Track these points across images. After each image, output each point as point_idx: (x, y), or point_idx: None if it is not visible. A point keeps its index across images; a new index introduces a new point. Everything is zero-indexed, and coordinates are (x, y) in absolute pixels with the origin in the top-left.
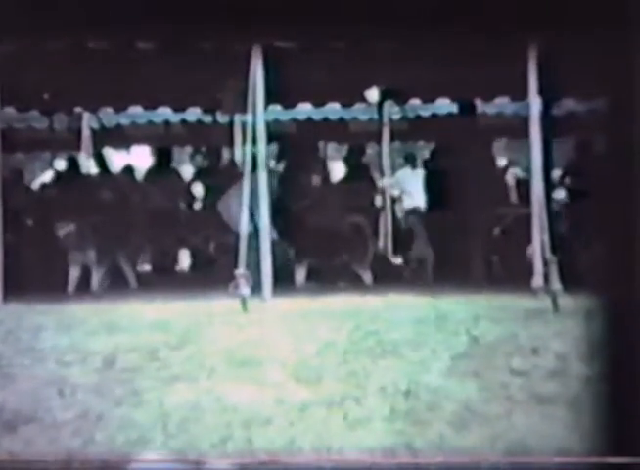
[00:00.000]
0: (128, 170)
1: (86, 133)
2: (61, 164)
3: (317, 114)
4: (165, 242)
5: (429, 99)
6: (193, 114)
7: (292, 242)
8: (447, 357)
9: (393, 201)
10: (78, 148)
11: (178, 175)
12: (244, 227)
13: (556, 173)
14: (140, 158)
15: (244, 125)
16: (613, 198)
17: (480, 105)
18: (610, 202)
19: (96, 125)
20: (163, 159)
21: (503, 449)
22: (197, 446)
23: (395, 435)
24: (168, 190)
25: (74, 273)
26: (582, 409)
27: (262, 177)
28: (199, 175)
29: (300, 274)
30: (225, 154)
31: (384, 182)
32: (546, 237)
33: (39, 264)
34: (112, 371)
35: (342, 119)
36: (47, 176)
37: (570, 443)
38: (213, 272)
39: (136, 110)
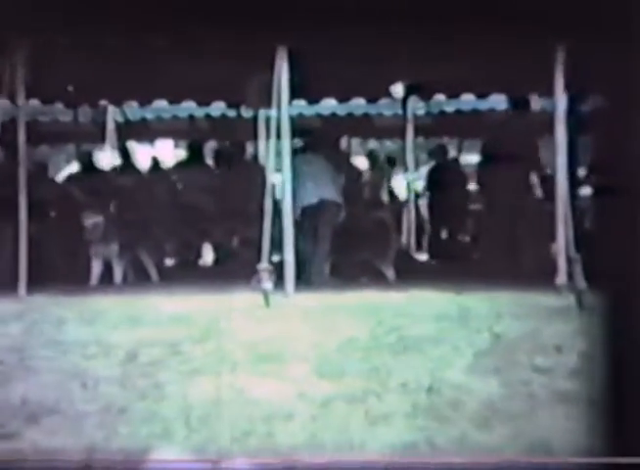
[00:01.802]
0: (154, 164)
1: (111, 126)
2: (85, 157)
3: (342, 109)
4: (189, 236)
5: (453, 95)
6: (217, 108)
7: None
8: (469, 354)
9: (417, 196)
10: (102, 141)
11: (205, 169)
12: (267, 221)
13: (581, 171)
14: (164, 151)
15: (268, 120)
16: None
17: (505, 101)
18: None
19: (121, 119)
20: (194, 153)
21: (524, 447)
22: (218, 439)
23: (417, 431)
24: (194, 184)
25: (97, 266)
26: (604, 408)
27: (286, 172)
28: (222, 170)
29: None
30: (249, 148)
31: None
32: (570, 234)
33: (63, 257)
34: (134, 364)
35: (366, 115)
36: (71, 169)
37: (591, 441)
38: (236, 266)
39: (161, 104)
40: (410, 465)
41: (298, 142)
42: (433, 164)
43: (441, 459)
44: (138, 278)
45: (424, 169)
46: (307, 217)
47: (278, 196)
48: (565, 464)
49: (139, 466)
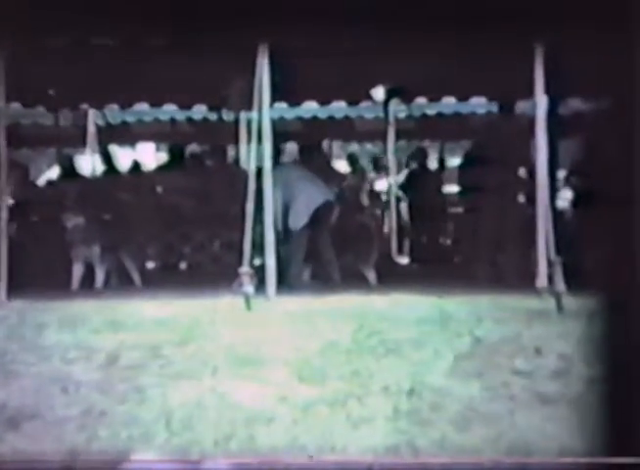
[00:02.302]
0: (135, 167)
1: (92, 130)
2: (66, 161)
3: (323, 112)
4: (170, 239)
5: (435, 98)
6: (199, 111)
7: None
8: (451, 357)
9: (398, 200)
10: (84, 144)
11: (186, 173)
12: (249, 224)
13: (561, 174)
14: (146, 155)
15: (249, 123)
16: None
17: (485, 104)
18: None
19: (102, 122)
20: (176, 156)
21: (505, 450)
22: (199, 443)
23: (398, 434)
24: (175, 187)
25: (78, 269)
26: (585, 410)
27: (267, 175)
28: (204, 173)
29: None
30: (231, 152)
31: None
32: (551, 237)
33: (43, 262)
34: (115, 368)
35: (347, 118)
36: (52, 173)
37: (572, 443)
38: (218, 270)
39: (142, 107)
40: (393, 466)
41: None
42: (414, 166)
43: (424, 459)
44: (120, 282)
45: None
46: (318, 218)
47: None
48: (545, 464)
49: (120, 466)
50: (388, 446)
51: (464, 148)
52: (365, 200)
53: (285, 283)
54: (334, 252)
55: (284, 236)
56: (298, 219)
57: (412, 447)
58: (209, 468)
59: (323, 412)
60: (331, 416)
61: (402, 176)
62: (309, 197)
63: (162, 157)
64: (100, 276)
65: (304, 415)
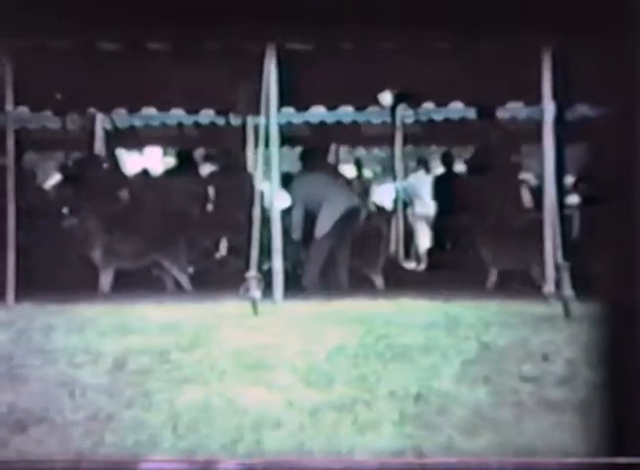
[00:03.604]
0: (142, 172)
1: (99, 134)
2: (74, 165)
3: (330, 117)
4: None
5: (442, 103)
6: (206, 116)
7: (303, 245)
8: (458, 362)
9: (405, 205)
10: (91, 149)
11: (193, 177)
12: (256, 227)
13: (569, 179)
14: (153, 159)
15: (256, 128)
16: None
17: (492, 109)
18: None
19: (109, 126)
20: (184, 161)
21: (512, 455)
22: (206, 448)
23: (405, 439)
24: (182, 192)
25: (86, 274)
26: (592, 416)
27: (275, 180)
28: (212, 178)
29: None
30: (238, 156)
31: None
32: (558, 243)
33: (51, 265)
34: (122, 373)
35: (355, 122)
36: (58, 177)
37: (578, 449)
38: (225, 274)
39: (149, 111)
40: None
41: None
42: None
43: (433, 460)
44: (127, 286)
45: (412, 178)
46: (342, 225)
47: (266, 204)
48: (548, 465)
49: (128, 467)
50: (395, 451)
51: (470, 153)
52: (372, 204)
53: (298, 287)
54: (348, 259)
55: (305, 242)
56: (322, 227)
57: (418, 452)
58: (219, 468)
59: (330, 417)
60: (338, 421)
61: (409, 181)
62: (332, 204)
63: (170, 161)
64: (106, 280)
65: (311, 420)
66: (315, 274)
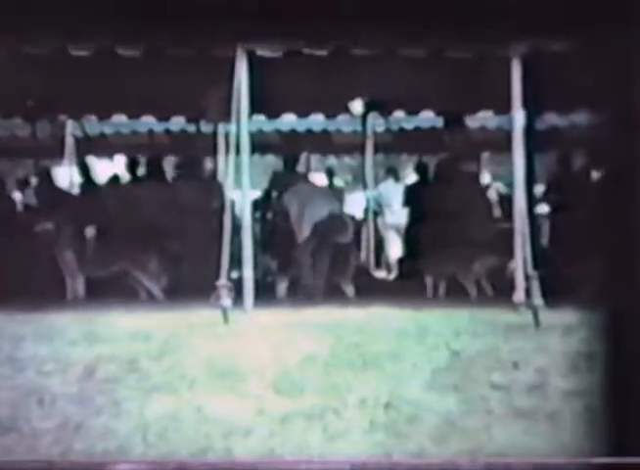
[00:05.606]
0: (112, 179)
1: (69, 141)
2: (44, 173)
3: (301, 124)
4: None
5: (413, 111)
6: (177, 123)
7: (274, 254)
8: (428, 371)
9: (375, 214)
10: (61, 156)
11: (163, 184)
12: (227, 239)
13: (539, 188)
14: (123, 167)
15: (227, 135)
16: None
17: (462, 118)
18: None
19: (79, 133)
20: (153, 168)
21: (482, 463)
22: (176, 455)
23: (375, 447)
24: (151, 199)
25: (56, 282)
26: (561, 423)
27: (245, 188)
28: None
29: (282, 286)
30: (208, 164)
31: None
32: (528, 252)
33: (20, 273)
34: (92, 381)
35: (325, 131)
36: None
37: (548, 455)
38: (195, 283)
39: (120, 118)
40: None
41: None
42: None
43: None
44: (96, 294)
45: (382, 186)
46: (321, 231)
47: (237, 212)
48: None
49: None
50: (365, 460)
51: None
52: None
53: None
54: (327, 267)
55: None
56: (301, 233)
57: (388, 460)
58: None
59: (300, 425)
60: (308, 429)
61: (378, 190)
62: (311, 210)
63: (147, 169)
64: (77, 288)
65: (281, 428)
66: (309, 276)
